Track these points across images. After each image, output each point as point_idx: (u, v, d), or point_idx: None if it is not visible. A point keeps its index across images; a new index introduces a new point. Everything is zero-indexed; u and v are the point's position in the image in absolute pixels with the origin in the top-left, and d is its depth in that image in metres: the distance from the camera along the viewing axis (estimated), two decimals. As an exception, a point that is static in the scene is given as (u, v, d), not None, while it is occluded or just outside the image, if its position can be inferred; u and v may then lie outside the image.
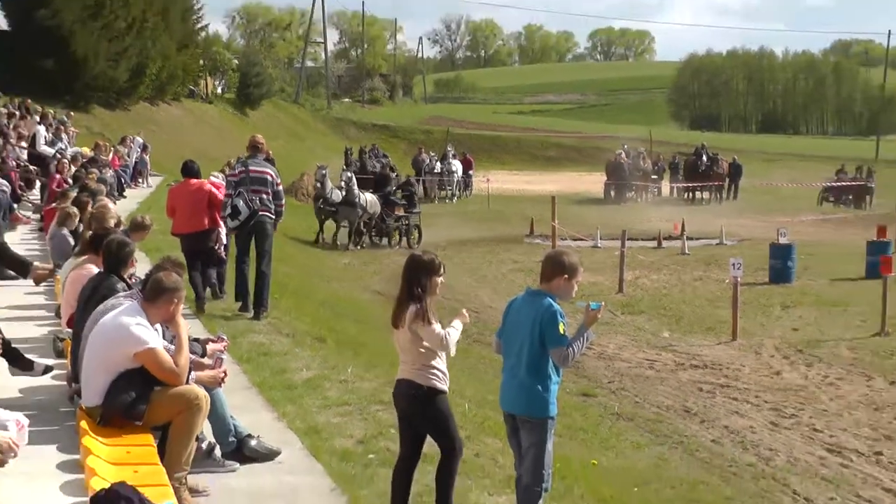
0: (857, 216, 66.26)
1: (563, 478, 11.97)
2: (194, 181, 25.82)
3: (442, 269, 12.50)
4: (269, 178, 24.85)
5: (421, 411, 12.24)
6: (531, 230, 48.51)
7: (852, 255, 44.86)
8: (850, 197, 77.13)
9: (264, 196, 24.44)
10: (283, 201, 26.00)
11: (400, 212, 41.07)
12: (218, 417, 12.41)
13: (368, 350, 22.41)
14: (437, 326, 12.01)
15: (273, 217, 24.47)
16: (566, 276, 11.54)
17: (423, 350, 12.05)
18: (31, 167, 36.67)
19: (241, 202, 23.93)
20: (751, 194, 77.46)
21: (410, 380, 12.20)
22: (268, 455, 13.05)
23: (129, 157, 45.23)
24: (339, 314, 28.05)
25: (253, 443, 13.17)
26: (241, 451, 13.14)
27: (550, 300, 11.37)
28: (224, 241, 24.93)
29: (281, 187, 26.35)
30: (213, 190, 24.93)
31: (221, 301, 24.96)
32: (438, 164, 74.49)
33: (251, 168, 24.53)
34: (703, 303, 35.10)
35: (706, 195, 76.33)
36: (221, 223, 24.44)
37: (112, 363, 11.27)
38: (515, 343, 11.60)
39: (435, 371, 12.12)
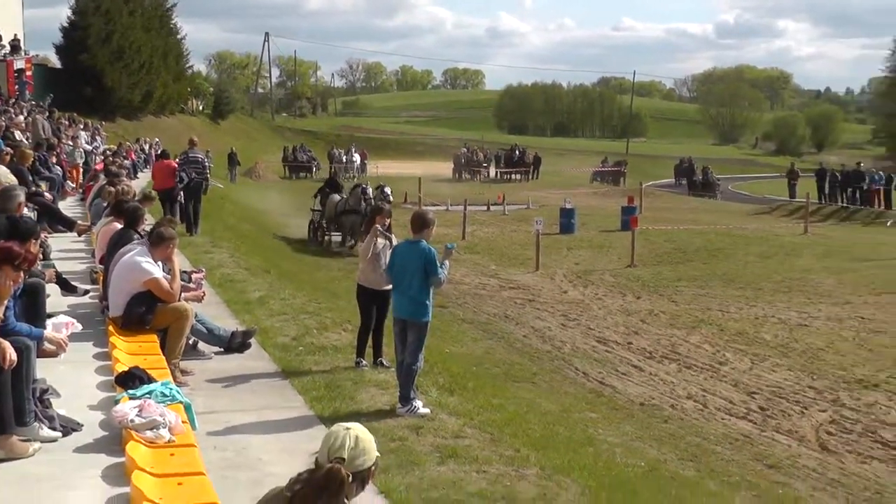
0: (614, 190, 66.84)
1: (426, 361, 12.05)
2: (165, 161, 29.21)
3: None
4: (199, 160, 28.31)
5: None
6: (405, 199, 48.10)
7: (612, 216, 45.86)
8: (611, 178, 77.46)
9: (195, 171, 27.40)
10: (208, 173, 30.07)
11: None
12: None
13: (298, 279, 22.55)
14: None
15: (202, 182, 27.83)
16: (429, 227, 11.43)
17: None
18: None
19: (184, 174, 27.05)
20: (547, 176, 77.55)
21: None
22: (240, 345, 13.03)
23: (142, 151, 44.83)
24: (286, 256, 27.58)
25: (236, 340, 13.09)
26: (230, 344, 13.08)
27: (426, 245, 11.62)
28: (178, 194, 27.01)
29: (208, 165, 31.02)
30: (174, 165, 27.60)
31: (197, 237, 26.00)
32: (344, 156, 73.96)
33: (189, 155, 28.09)
34: (517, 246, 36.03)
35: (518, 176, 76.66)
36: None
37: (129, 287, 11.85)
38: (406, 273, 12.01)
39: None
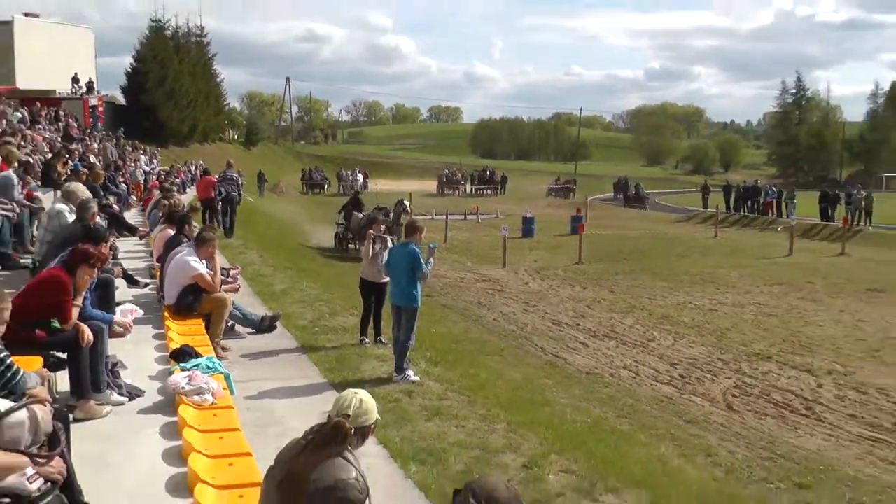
0: (565, 203, 66.71)
1: (417, 339, 12.04)
2: (207, 177, 29.56)
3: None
4: (234, 178, 28.15)
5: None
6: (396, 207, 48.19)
7: (563, 223, 45.75)
8: (562, 193, 77.20)
9: (231, 187, 27.35)
10: (241, 189, 30.14)
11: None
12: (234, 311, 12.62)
13: (314, 274, 22.51)
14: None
15: (236, 196, 27.70)
16: (418, 232, 11.47)
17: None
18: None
19: (221, 188, 26.85)
20: (512, 191, 77.32)
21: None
22: (268, 327, 13.00)
23: (189, 171, 44.61)
24: (304, 256, 27.43)
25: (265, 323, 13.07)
26: (260, 326, 13.01)
27: (413, 247, 11.68)
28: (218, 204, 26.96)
29: (241, 182, 30.52)
30: (214, 180, 27.47)
31: (233, 241, 25.38)
32: (350, 176, 73.69)
33: (226, 174, 28.01)
34: (488, 248, 35.82)
35: (489, 192, 76.46)
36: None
37: (180, 281, 11.95)
38: (399, 270, 12.10)
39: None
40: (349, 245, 35.36)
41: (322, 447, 4.54)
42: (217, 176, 29.02)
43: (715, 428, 14.85)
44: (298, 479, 4.47)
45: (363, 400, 4.81)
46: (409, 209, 34.45)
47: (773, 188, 63.55)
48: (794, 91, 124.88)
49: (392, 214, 32.69)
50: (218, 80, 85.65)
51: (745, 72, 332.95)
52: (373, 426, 4.88)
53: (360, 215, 34.09)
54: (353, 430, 4.63)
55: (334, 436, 4.56)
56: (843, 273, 33.51)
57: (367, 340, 13.43)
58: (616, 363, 19.30)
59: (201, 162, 51.03)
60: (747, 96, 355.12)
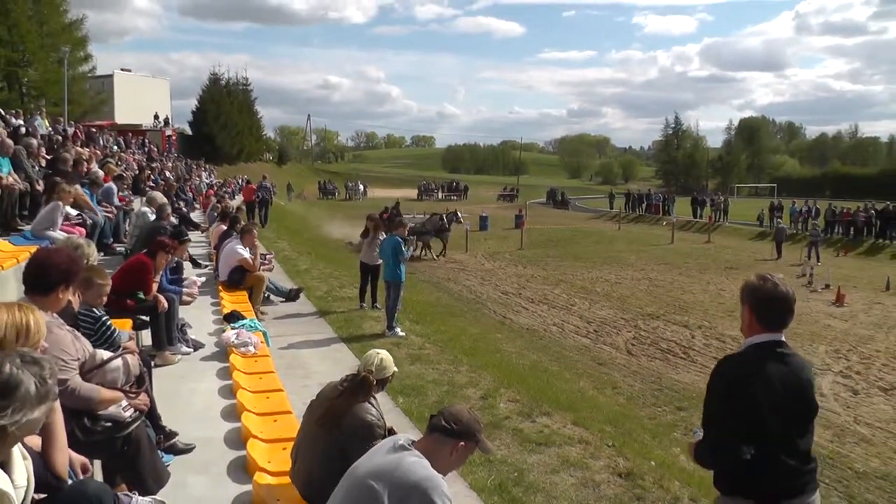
0: (510, 206, 66.62)
1: (403, 304, 12.03)
2: (249, 185, 30.68)
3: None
4: (268, 187, 28.50)
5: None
6: (385, 210, 47.56)
7: (509, 220, 45.71)
8: (508, 198, 77.43)
9: (266, 193, 27.91)
10: (273, 194, 30.78)
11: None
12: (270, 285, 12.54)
13: (328, 258, 22.31)
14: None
15: (269, 199, 28.24)
16: (402, 227, 11.69)
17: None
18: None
19: (260, 194, 27.50)
20: (472, 198, 77.26)
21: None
22: (294, 297, 12.92)
23: (237, 182, 44.23)
24: (320, 245, 27.33)
25: (292, 294, 13.07)
26: (289, 296, 12.99)
27: (397, 238, 11.77)
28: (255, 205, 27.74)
29: (273, 190, 30.91)
30: (254, 188, 28.29)
31: (268, 232, 24.99)
32: (354, 186, 73.40)
33: (263, 184, 28.47)
34: (455, 238, 34.58)
35: (455, 198, 76.03)
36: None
37: (230, 263, 11.79)
38: (387, 255, 11.89)
39: None
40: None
41: (354, 394, 4.62)
42: (256, 185, 29.64)
43: (619, 368, 14.98)
44: (335, 416, 4.54)
45: (383, 358, 4.84)
46: (461, 218, 32.91)
47: (660, 194, 64.28)
48: (673, 125, 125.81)
49: (444, 220, 32.00)
50: (258, 116, 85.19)
51: (639, 111, 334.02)
52: (390, 377, 4.91)
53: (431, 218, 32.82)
54: (375, 382, 4.70)
55: (362, 386, 4.64)
56: (709, 256, 33.86)
57: (364, 305, 13.32)
58: (548, 321, 19.36)
59: (245, 176, 50.68)
60: (641, 129, 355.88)
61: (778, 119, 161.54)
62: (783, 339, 3.57)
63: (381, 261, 12.70)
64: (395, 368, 4.99)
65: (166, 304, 8.01)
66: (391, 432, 4.63)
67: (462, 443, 3.63)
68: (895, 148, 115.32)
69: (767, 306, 3.55)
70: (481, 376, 9.52)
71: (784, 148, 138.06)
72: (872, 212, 39.42)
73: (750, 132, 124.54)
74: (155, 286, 8.16)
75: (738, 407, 3.44)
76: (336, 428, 4.51)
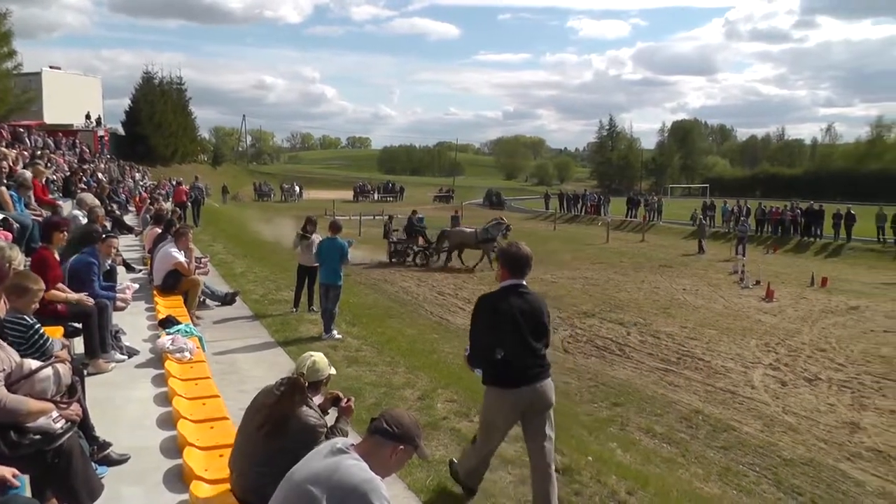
0: (446, 206, 66.60)
1: (340, 307, 11.97)
2: (180, 187, 29.68)
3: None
4: (200, 187, 28.79)
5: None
6: (325, 213, 47.25)
7: (445, 221, 45.06)
8: (444, 199, 77.60)
9: (198, 193, 28.11)
10: (206, 195, 31.15)
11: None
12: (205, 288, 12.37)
13: (264, 260, 21.98)
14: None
15: (202, 199, 28.33)
16: (341, 230, 11.61)
17: None
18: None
19: (193, 194, 27.51)
20: (408, 198, 77.35)
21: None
22: (230, 300, 12.77)
23: (171, 185, 43.36)
24: (256, 247, 26.98)
25: (228, 297, 12.91)
26: (224, 300, 12.82)
27: (341, 241, 11.87)
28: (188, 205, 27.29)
29: (205, 191, 31.56)
30: (186, 189, 28.14)
31: (201, 233, 24.67)
32: (290, 187, 72.80)
33: (195, 185, 28.77)
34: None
35: (391, 199, 76.19)
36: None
37: (165, 267, 11.71)
38: (329, 258, 11.91)
39: None
40: (404, 258, 30.16)
41: (290, 396, 4.59)
42: (190, 186, 29.28)
43: (556, 366, 14.99)
44: (276, 422, 4.51)
45: (316, 361, 4.85)
46: (509, 227, 30.83)
47: (595, 195, 65.24)
48: (608, 127, 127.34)
49: (502, 233, 29.60)
50: (192, 116, 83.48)
51: (573, 113, 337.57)
52: (325, 380, 4.90)
53: (468, 230, 30.66)
54: (308, 384, 4.70)
55: (294, 388, 4.62)
56: (643, 254, 34.41)
57: (296, 310, 13.28)
58: (485, 321, 19.48)
59: (181, 179, 50.00)
60: (576, 130, 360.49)
61: (710, 121, 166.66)
62: (524, 282, 5.48)
63: (318, 263, 12.62)
64: (333, 371, 4.98)
65: (91, 302, 7.95)
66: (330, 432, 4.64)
67: (402, 446, 3.64)
68: (818, 149, 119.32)
69: (512, 261, 5.47)
70: (418, 377, 9.53)
71: (716, 149, 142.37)
72: (798, 210, 41.20)
73: (683, 134, 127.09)
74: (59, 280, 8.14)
75: (491, 324, 5.34)
76: (279, 434, 4.47)
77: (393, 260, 30.04)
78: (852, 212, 38.35)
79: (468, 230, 30.66)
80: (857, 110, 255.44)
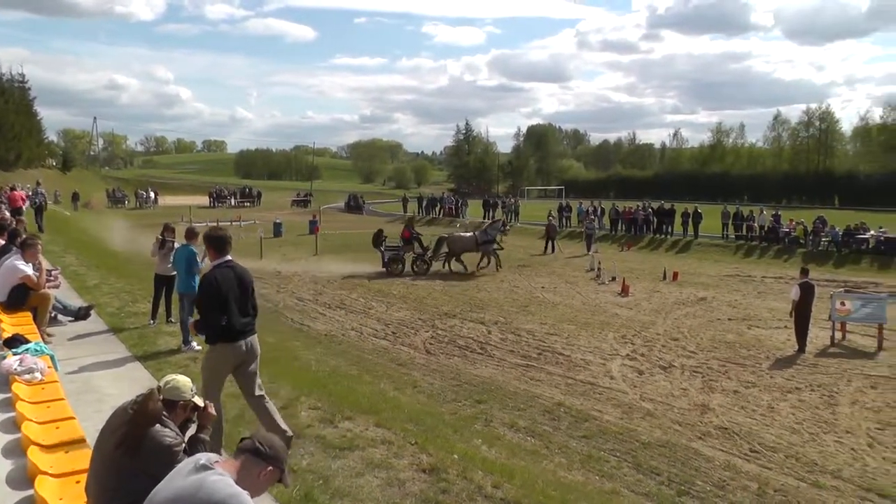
0: (304, 211, 66.02)
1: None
2: (14, 192, 28.23)
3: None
4: (42, 192, 27.78)
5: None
6: (181, 219, 45.66)
7: (303, 226, 44.94)
8: (302, 204, 77.09)
9: (40, 199, 27.34)
10: (47, 200, 29.48)
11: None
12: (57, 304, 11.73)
13: (119, 271, 20.67)
14: None
15: (43, 204, 27.38)
16: (196, 237, 11.62)
17: None
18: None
19: (35, 200, 26.91)
20: (265, 203, 76.51)
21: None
22: (84, 315, 12.26)
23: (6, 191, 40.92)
24: (111, 257, 25.62)
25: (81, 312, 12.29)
26: (78, 314, 12.21)
27: (191, 248, 11.74)
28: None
29: (46, 195, 29.69)
30: (23, 195, 26.50)
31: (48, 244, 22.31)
32: (144, 193, 70.11)
33: (38, 190, 27.82)
34: (250, 245, 33.98)
35: (248, 204, 74.37)
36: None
37: (10, 281, 10.97)
38: (181, 266, 11.69)
39: None
40: (400, 266, 28.87)
41: (144, 414, 4.40)
42: (31, 191, 28.16)
43: (419, 367, 15.26)
44: (132, 442, 4.31)
45: (177, 380, 4.72)
46: (508, 229, 30.82)
47: (452, 198, 66.17)
48: (464, 132, 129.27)
49: (502, 232, 30.57)
50: (38, 117, 77.97)
51: (430, 118, 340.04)
52: (181, 402, 4.70)
53: (468, 235, 30.37)
54: (161, 401, 4.52)
55: (146, 404, 4.42)
56: (502, 254, 35.21)
57: (153, 322, 12.79)
58: (346, 326, 19.38)
59: (28, 185, 47.41)
60: (433, 135, 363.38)
61: (564, 126, 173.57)
62: (230, 258, 6.65)
63: (175, 272, 12.26)
64: (199, 401, 4.85)
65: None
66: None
67: (271, 467, 3.63)
68: (667, 153, 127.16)
69: (216, 242, 6.64)
70: (280, 386, 9.41)
71: (570, 153, 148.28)
72: (650, 210, 43.79)
73: (538, 138, 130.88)
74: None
75: (214, 295, 6.39)
76: (134, 455, 4.30)
77: (388, 269, 28.92)
78: (699, 210, 41.16)
79: (467, 235, 30.81)
80: (700, 117, 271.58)
